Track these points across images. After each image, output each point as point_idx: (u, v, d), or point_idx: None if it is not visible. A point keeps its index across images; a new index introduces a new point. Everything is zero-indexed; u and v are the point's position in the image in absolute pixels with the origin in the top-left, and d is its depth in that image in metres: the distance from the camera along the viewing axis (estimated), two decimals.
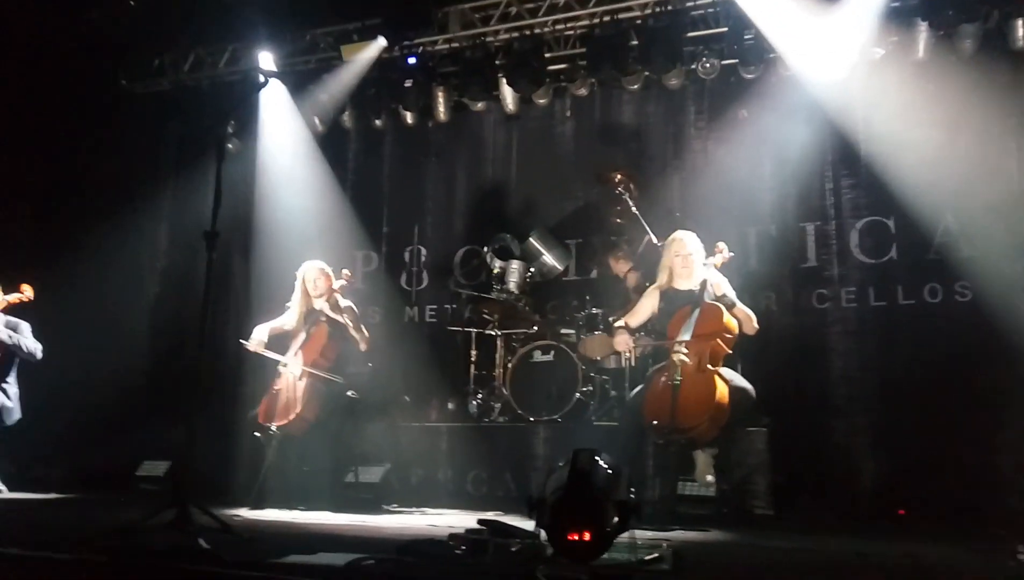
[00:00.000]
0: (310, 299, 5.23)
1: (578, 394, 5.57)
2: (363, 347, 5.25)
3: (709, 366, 4.32)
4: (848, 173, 6.03)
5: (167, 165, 7.62)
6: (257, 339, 5.13)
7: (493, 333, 6.18)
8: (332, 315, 5.17)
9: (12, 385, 5.43)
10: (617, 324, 4.79)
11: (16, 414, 5.41)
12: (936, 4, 5.59)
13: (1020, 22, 5.57)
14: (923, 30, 5.72)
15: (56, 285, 6.12)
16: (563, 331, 6.06)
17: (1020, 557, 3.06)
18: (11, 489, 5.44)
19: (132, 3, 6.97)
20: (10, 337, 5.34)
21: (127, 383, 6.99)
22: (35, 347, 5.44)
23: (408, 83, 6.85)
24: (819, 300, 5.98)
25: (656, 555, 2.84)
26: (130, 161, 7.50)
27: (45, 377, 5.70)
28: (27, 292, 5.44)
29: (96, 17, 7.03)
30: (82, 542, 2.95)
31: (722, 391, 4.25)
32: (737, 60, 6.21)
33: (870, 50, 5.88)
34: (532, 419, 5.62)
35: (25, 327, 5.49)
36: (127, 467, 6.01)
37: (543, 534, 2.64)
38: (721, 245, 4.65)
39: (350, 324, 5.18)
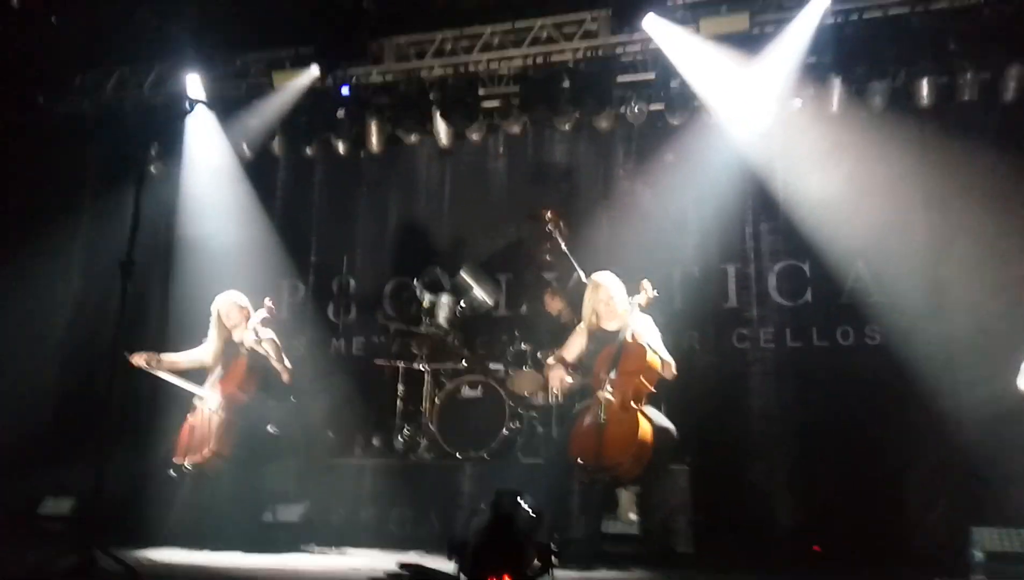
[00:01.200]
0: (227, 331, 5.09)
1: (505, 430, 5.55)
2: (285, 378, 5.12)
3: (633, 404, 4.38)
4: (767, 217, 6.27)
5: (86, 189, 7.33)
6: (147, 354, 4.93)
7: (421, 367, 6.12)
8: (252, 347, 5.04)
9: None
10: (550, 360, 4.82)
11: None
12: (849, 61, 5.90)
13: (925, 81, 5.94)
14: (837, 85, 6.03)
15: None
16: (492, 366, 6.04)
17: None
18: None
19: (53, 19, 6.74)
20: None
21: (31, 415, 6.62)
22: None
23: (340, 113, 6.82)
24: (739, 340, 6.16)
25: None
26: (46, 184, 7.19)
27: None
28: None
29: (15, 32, 6.77)
30: None
31: (645, 429, 4.31)
32: (664, 106, 6.42)
33: (788, 101, 6.17)
34: (459, 456, 5.57)
35: None
36: (28, 504, 5.65)
37: (463, 578, 2.60)
38: (645, 284, 4.74)
39: (271, 355, 5.05)
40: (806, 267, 6.13)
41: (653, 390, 4.53)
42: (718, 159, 6.19)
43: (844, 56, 5.89)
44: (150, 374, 5.12)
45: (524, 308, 6.68)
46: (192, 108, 5.73)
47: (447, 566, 2.82)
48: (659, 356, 4.51)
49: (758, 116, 6.14)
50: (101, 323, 6.46)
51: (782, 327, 6.09)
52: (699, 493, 4.96)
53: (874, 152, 5.91)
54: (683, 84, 6.21)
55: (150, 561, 4.01)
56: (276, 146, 7.17)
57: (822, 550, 5.04)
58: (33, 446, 6.31)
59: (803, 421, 5.73)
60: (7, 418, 6.21)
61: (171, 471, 4.82)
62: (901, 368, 5.35)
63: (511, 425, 5.59)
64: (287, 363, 5.15)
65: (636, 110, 6.45)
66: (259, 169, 7.22)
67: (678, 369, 4.66)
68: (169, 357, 5.11)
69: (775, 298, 6.19)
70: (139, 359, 4.99)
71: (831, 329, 5.97)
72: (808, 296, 6.12)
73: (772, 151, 6.21)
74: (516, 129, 6.90)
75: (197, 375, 5.12)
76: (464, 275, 6.42)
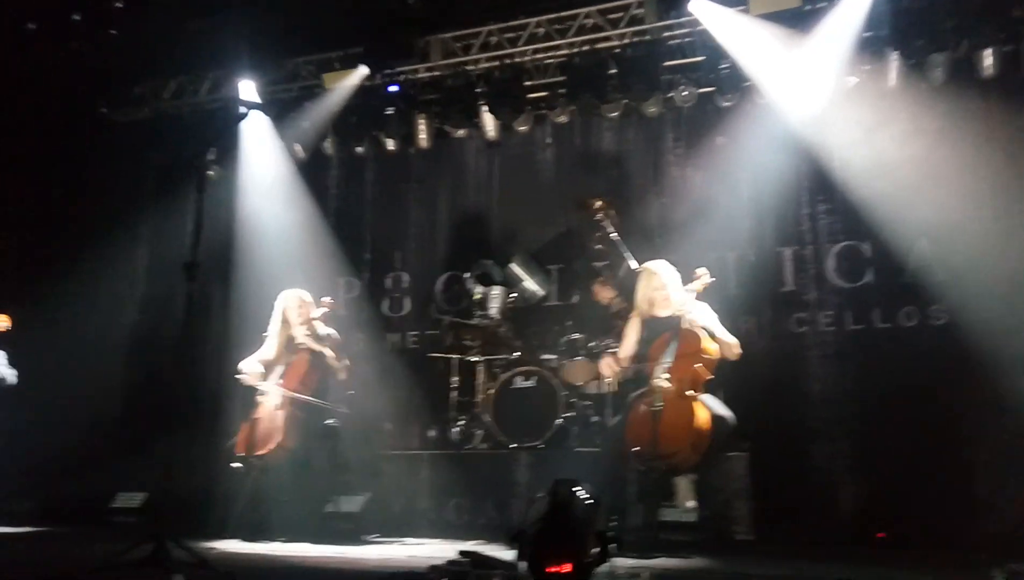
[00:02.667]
0: (289, 328, 5.21)
1: (560, 420, 5.56)
2: (342, 376, 5.23)
3: (690, 392, 4.35)
4: (824, 198, 6.11)
5: (147, 193, 7.58)
6: (253, 371, 5.08)
7: (474, 359, 6.17)
8: (312, 344, 5.15)
9: None
10: (609, 351, 4.81)
11: None
12: (907, 34, 5.72)
13: (988, 52, 5.71)
14: (894, 59, 5.84)
15: (34, 314, 6.07)
16: (544, 357, 6.06)
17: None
18: None
19: (113, 32, 6.98)
20: None
21: (103, 413, 6.92)
22: (10, 373, 5.38)
23: (390, 111, 6.91)
24: (797, 324, 6.04)
25: None
26: (111, 190, 7.48)
27: (21, 406, 5.62)
28: (5, 322, 5.39)
29: (78, 46, 7.04)
30: (55, 578, 2.90)
31: (702, 417, 4.27)
32: (714, 88, 6.31)
33: (843, 78, 6.00)
34: (514, 446, 5.60)
35: (1, 354, 5.43)
36: (102, 499, 5.89)
37: (523, 566, 2.63)
38: (701, 271, 4.69)
39: (330, 353, 5.16)
40: (866, 247, 5.96)
41: (710, 377, 4.49)
42: (771, 140, 6.06)
43: (901, 28, 5.70)
44: (213, 371, 5.28)
45: (576, 298, 6.66)
46: (246, 113, 5.89)
47: (507, 555, 2.85)
48: (720, 339, 4.46)
49: (812, 95, 5.99)
50: (165, 321, 6.70)
51: (842, 310, 5.94)
52: (758, 480, 4.90)
53: (935, 127, 5.71)
54: (733, 65, 6.10)
55: (218, 552, 4.14)
56: (328, 146, 7.31)
57: (887, 536, 4.92)
58: (104, 442, 6.58)
59: (865, 405, 5.59)
60: (80, 415, 6.49)
61: (235, 464, 4.96)
62: (968, 349, 5.16)
63: (565, 415, 5.60)
64: (346, 361, 5.24)
65: (685, 94, 6.36)
66: (312, 169, 7.36)
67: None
68: (259, 366, 5.18)
69: (834, 280, 6.04)
70: (251, 379, 5.07)
71: (894, 310, 5.79)
72: (869, 277, 5.95)
73: (827, 130, 6.04)
74: (563, 118, 6.87)
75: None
76: (514, 266, 6.45)
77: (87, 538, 4.99)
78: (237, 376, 5.13)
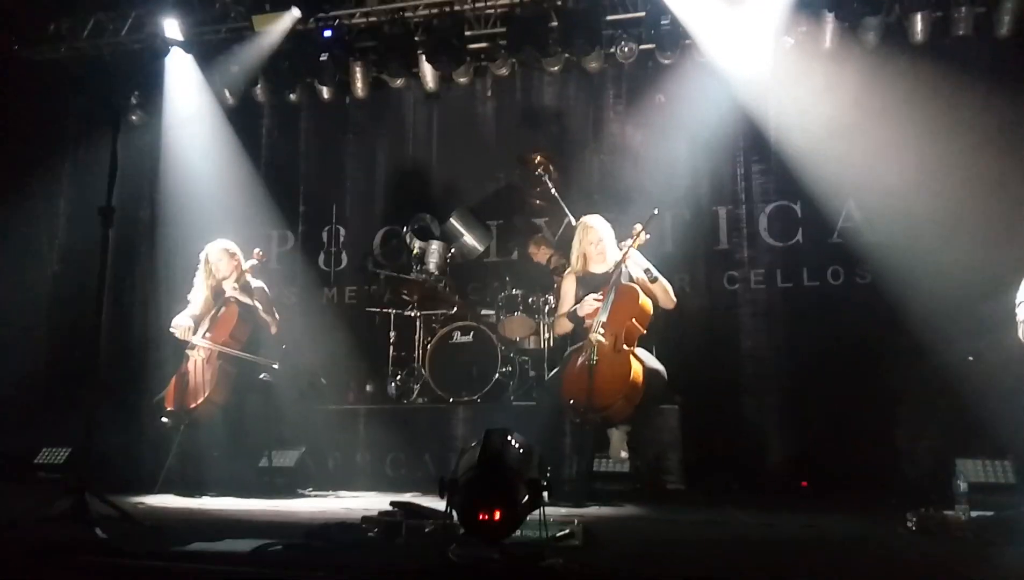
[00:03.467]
0: (215, 280, 5.05)
1: (497, 375, 5.59)
2: (273, 330, 5.11)
3: (625, 346, 4.40)
4: (758, 159, 6.22)
5: (67, 138, 7.20)
6: (185, 325, 4.92)
7: (412, 314, 6.12)
8: (241, 297, 5.01)
9: None
10: (558, 314, 4.81)
11: None
12: None
13: (919, 16, 5.83)
14: (830, 21, 5.92)
15: None
16: (483, 312, 6.06)
17: (909, 524, 3.24)
18: None
19: None
20: None
21: (25, 366, 6.63)
22: None
23: (324, 57, 6.66)
24: (730, 281, 6.17)
25: (567, 531, 2.88)
26: (28, 134, 7.07)
27: None
28: None
29: None
30: None
31: (636, 370, 4.34)
32: (654, 45, 6.29)
33: (780, 39, 6.06)
34: (451, 400, 5.61)
35: None
36: (26, 454, 5.68)
37: (455, 514, 2.63)
38: (638, 227, 4.72)
39: (260, 306, 5.04)
40: (797, 207, 6.11)
41: (644, 332, 4.55)
42: (709, 99, 6.10)
43: None
44: (139, 322, 5.10)
45: (515, 254, 6.66)
46: (169, 49, 5.54)
47: (440, 505, 2.85)
48: (656, 289, 4.51)
49: (750, 55, 6.03)
50: (88, 272, 6.38)
51: (773, 268, 6.10)
52: (689, 432, 5.03)
53: (867, 89, 5.84)
54: (674, 22, 6.08)
55: (146, 507, 4.04)
56: (259, 92, 7.04)
57: (810, 485, 5.13)
58: (28, 396, 6.33)
59: (793, 360, 5.79)
60: (4, 369, 6.20)
61: (164, 419, 4.84)
62: (891, 307, 5.37)
63: (503, 369, 5.63)
64: (276, 315, 5.12)
65: (626, 50, 6.33)
66: (243, 116, 7.09)
67: (669, 312, 4.67)
68: (190, 320, 4.99)
69: (766, 239, 6.18)
70: (181, 333, 4.90)
71: (822, 269, 5.98)
72: (799, 237, 6.11)
73: (764, 90, 6.12)
74: (504, 71, 6.77)
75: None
76: (454, 221, 6.38)
77: (10, 494, 4.80)
78: (171, 330, 4.97)
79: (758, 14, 5.92)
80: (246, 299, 5.01)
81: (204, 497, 4.55)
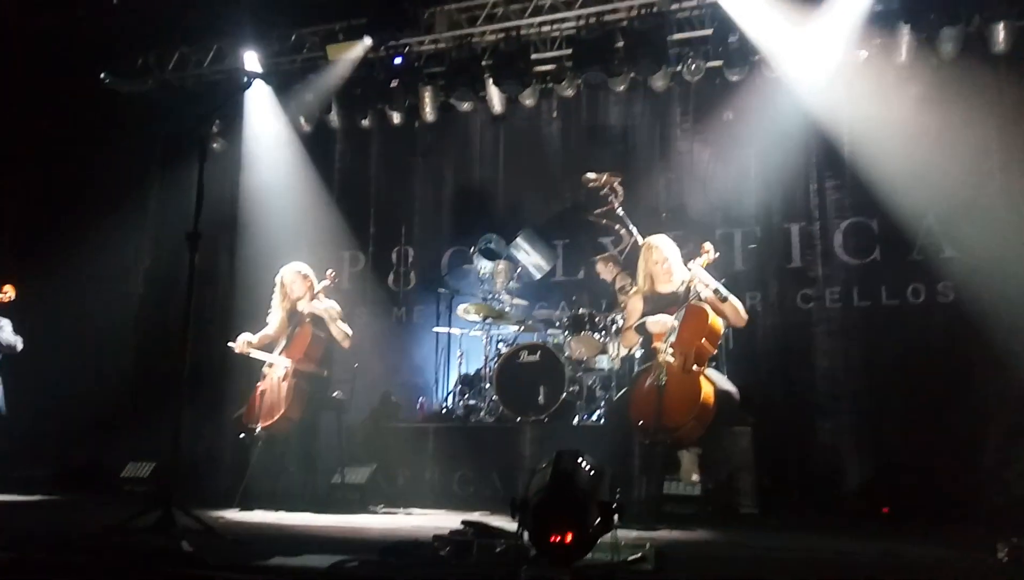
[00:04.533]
0: (290, 301, 5.22)
1: (564, 394, 5.58)
2: (345, 345, 5.23)
3: (695, 367, 4.35)
4: (832, 174, 6.08)
5: (152, 165, 7.58)
6: (243, 340, 5.12)
7: (479, 333, 6.18)
8: (316, 314, 5.16)
9: None
10: (624, 327, 4.81)
11: (1, 406, 5.36)
12: (918, 7, 5.64)
13: (1000, 26, 5.63)
14: (906, 33, 5.77)
15: (41, 285, 6.09)
16: (549, 331, 6.07)
17: (1000, 555, 3.10)
18: None
19: (115, 1, 6.92)
20: None
21: (112, 383, 6.97)
22: (14, 339, 5.40)
23: (394, 83, 6.86)
24: (804, 300, 6.03)
25: (639, 555, 2.85)
26: (117, 162, 7.46)
27: (30, 377, 5.66)
28: (9, 292, 5.41)
29: (80, 15, 6.99)
30: (65, 544, 2.94)
31: (707, 391, 4.28)
32: (722, 62, 6.24)
33: (853, 52, 5.93)
34: (519, 419, 5.63)
35: (6, 323, 5.45)
36: (112, 468, 5.96)
37: (526, 535, 2.64)
38: (707, 246, 4.66)
39: (333, 325, 5.17)
40: (874, 224, 5.94)
41: (714, 351, 4.49)
42: (779, 115, 6.01)
43: (913, 1, 5.62)
44: (218, 341, 5.30)
45: (581, 273, 6.66)
46: (250, 83, 5.85)
47: (510, 525, 2.86)
48: (727, 308, 4.44)
49: (821, 69, 5.92)
50: (172, 292, 6.71)
51: (849, 286, 5.93)
52: (763, 454, 4.92)
53: (945, 101, 5.65)
54: (742, 39, 6.03)
55: (225, 520, 4.18)
56: (333, 118, 7.28)
57: (891, 511, 4.95)
58: (115, 411, 6.63)
59: (871, 381, 5.60)
60: (91, 384, 6.52)
61: (242, 435, 5.00)
62: (975, 326, 5.16)
63: (570, 389, 5.62)
64: (347, 330, 5.25)
65: (693, 67, 6.30)
66: (317, 142, 7.35)
67: (740, 332, 4.60)
68: (254, 338, 5.22)
69: (841, 256, 6.02)
70: (240, 347, 5.13)
71: (902, 287, 5.79)
72: (876, 254, 5.93)
73: (837, 105, 5.99)
74: (570, 92, 6.82)
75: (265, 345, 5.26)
76: (520, 241, 6.44)
77: (98, 506, 5.04)
78: (229, 344, 5.16)
79: (830, 29, 5.81)
80: (320, 318, 5.15)
81: (280, 511, 4.68)
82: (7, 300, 5.40)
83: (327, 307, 5.20)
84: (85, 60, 7.30)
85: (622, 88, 6.67)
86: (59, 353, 6.28)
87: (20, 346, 5.37)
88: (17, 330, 5.46)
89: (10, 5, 6.78)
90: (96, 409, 6.56)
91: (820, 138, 6.06)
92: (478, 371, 6.17)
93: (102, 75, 7.38)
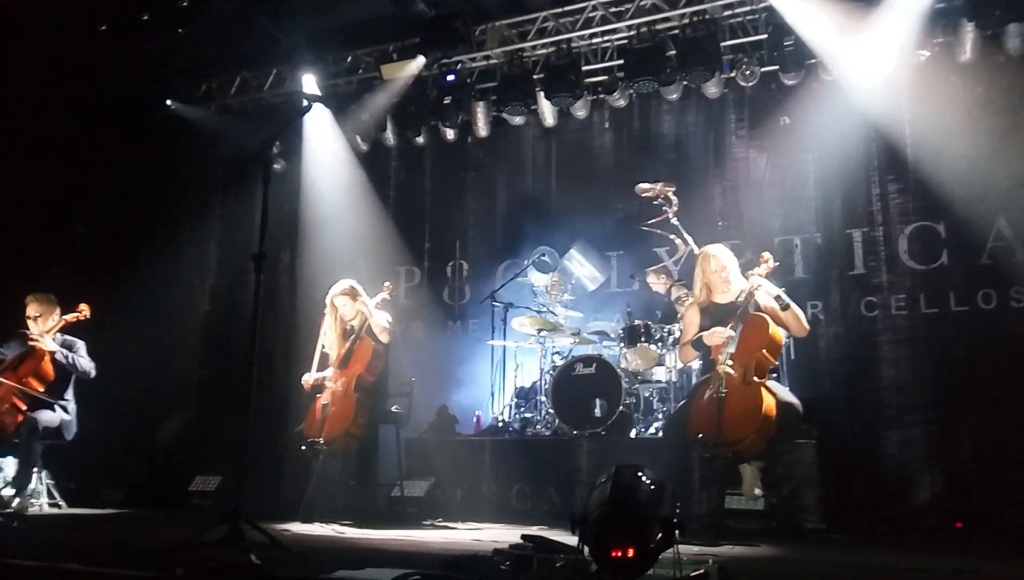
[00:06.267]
0: (341, 321, 5.32)
1: (622, 407, 5.53)
2: (385, 339, 5.26)
3: (755, 378, 4.27)
4: (895, 178, 5.91)
5: (216, 188, 7.82)
6: (308, 381, 5.25)
7: (535, 346, 6.18)
8: (371, 327, 5.24)
9: (70, 402, 5.60)
10: (682, 342, 4.76)
11: (74, 429, 5.58)
12: (983, 4, 5.45)
13: None
14: (969, 31, 5.59)
15: (111, 304, 6.31)
16: (605, 343, 6.04)
17: None
18: (69, 505, 5.61)
19: (180, 31, 7.19)
20: (66, 356, 5.50)
21: (181, 399, 7.18)
22: (89, 366, 5.60)
23: (447, 100, 6.95)
24: (868, 308, 5.86)
25: (702, 571, 2.81)
26: (182, 185, 7.74)
27: (101, 394, 5.87)
28: (84, 311, 5.61)
29: (146, 46, 7.29)
30: (139, 558, 3.03)
31: (769, 403, 4.19)
32: (777, 67, 6.15)
33: (914, 53, 5.77)
34: (575, 433, 5.60)
35: (81, 346, 5.65)
36: (181, 482, 6.14)
37: (587, 550, 2.63)
38: (766, 255, 4.58)
39: (389, 338, 5.25)
40: (940, 228, 5.75)
41: (775, 362, 4.40)
42: (838, 119, 5.88)
43: None
44: (280, 358, 5.44)
45: (636, 284, 6.60)
46: (310, 106, 6.05)
47: (569, 539, 2.85)
48: (788, 317, 4.35)
49: (881, 71, 5.77)
50: (236, 310, 6.91)
51: (915, 293, 5.75)
52: (828, 468, 4.79)
53: (1013, 99, 5.46)
54: (797, 42, 5.93)
55: (290, 533, 4.26)
56: (388, 137, 7.41)
57: (965, 526, 4.75)
58: (182, 427, 6.83)
59: (941, 390, 5.40)
60: (160, 404, 6.74)
61: (304, 448, 5.10)
62: None
63: (627, 401, 5.57)
64: (386, 326, 5.27)
65: (747, 73, 6.22)
66: (373, 160, 7.49)
67: (802, 342, 4.49)
68: (316, 374, 5.34)
69: (907, 262, 5.84)
70: (308, 383, 5.27)
71: (971, 293, 5.58)
72: (944, 258, 5.73)
73: (897, 107, 5.84)
74: (621, 102, 6.80)
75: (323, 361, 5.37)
76: (574, 253, 6.42)
77: (167, 520, 5.19)
78: (302, 382, 5.28)
79: (889, 29, 5.67)
80: (375, 331, 5.23)
81: (341, 524, 4.75)
82: (83, 318, 5.59)
83: (385, 321, 5.27)
84: (152, 88, 7.60)
85: (675, 96, 6.62)
86: (128, 371, 6.50)
87: (94, 373, 5.57)
88: (91, 352, 5.66)
89: (81, 37, 7.09)
90: (164, 423, 6.77)
91: (881, 141, 5.90)
92: (534, 384, 6.17)
93: (168, 102, 7.69)
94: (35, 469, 5.32)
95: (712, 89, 6.46)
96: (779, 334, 4.38)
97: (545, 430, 5.87)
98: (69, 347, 5.59)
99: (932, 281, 5.73)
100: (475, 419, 6.40)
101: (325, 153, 7.32)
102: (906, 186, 5.87)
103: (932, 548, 4.15)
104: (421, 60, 6.89)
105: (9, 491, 5.28)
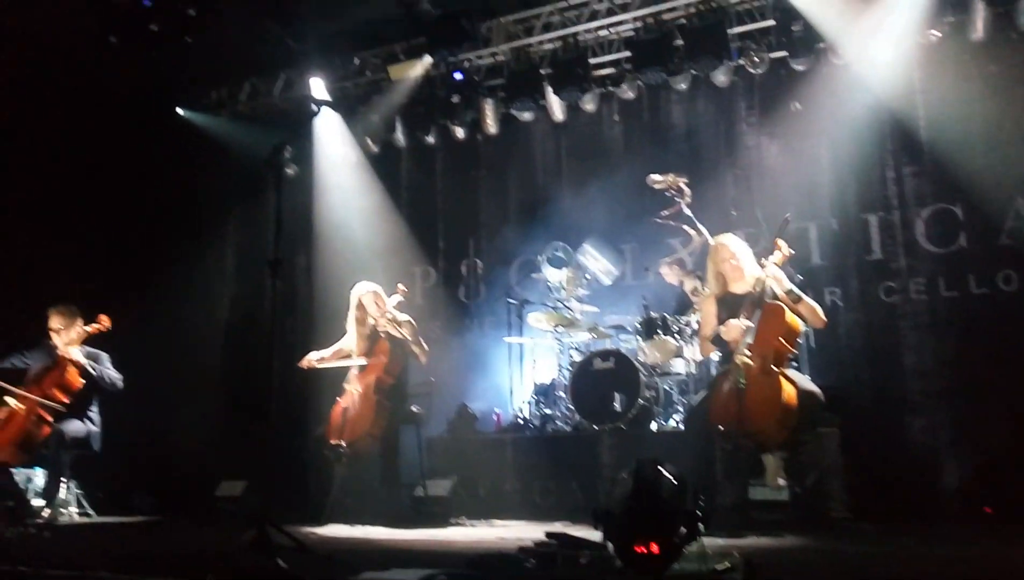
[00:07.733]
0: (367, 319, 5.34)
1: (641, 400, 5.51)
2: (423, 360, 5.33)
3: (774, 367, 4.24)
4: (909, 160, 5.85)
5: (231, 194, 7.86)
6: (308, 358, 5.31)
7: (552, 342, 6.18)
8: (393, 332, 5.26)
9: (96, 413, 5.66)
10: (701, 337, 4.74)
11: (100, 440, 5.63)
12: None
13: None
14: (980, 8, 5.52)
15: (132, 315, 6.36)
16: (622, 337, 6.02)
17: None
18: (99, 513, 5.67)
19: (189, 40, 7.22)
20: (93, 368, 5.55)
21: (204, 405, 7.24)
22: (117, 377, 5.65)
23: (455, 98, 6.95)
24: (887, 293, 5.81)
25: (727, 564, 2.79)
26: (196, 192, 7.79)
27: (125, 403, 5.92)
28: (105, 322, 5.65)
29: (155, 55, 7.33)
30: (169, 565, 3.07)
31: (789, 392, 4.16)
32: (786, 52, 6.10)
33: (925, 33, 5.70)
34: (596, 427, 5.60)
35: (105, 358, 5.70)
36: (207, 486, 6.17)
37: (611, 546, 2.63)
38: (780, 242, 4.55)
39: (409, 339, 5.26)
40: (958, 210, 5.68)
41: (794, 351, 4.37)
42: (850, 103, 5.84)
43: None
44: (299, 361, 5.47)
45: (650, 276, 6.58)
46: (319, 110, 6.07)
47: (594, 535, 2.85)
48: (803, 309, 4.32)
49: (892, 52, 5.71)
50: (255, 316, 6.95)
51: (935, 276, 5.69)
52: (852, 456, 4.75)
53: None
54: (806, 27, 5.88)
55: (316, 536, 4.29)
56: (398, 137, 7.42)
57: (995, 512, 4.71)
58: (208, 432, 6.90)
59: (965, 374, 5.35)
60: (185, 409, 6.80)
61: (327, 452, 5.12)
62: None
63: (646, 394, 5.55)
64: (424, 345, 5.34)
65: (756, 60, 6.18)
66: (384, 161, 7.51)
67: (821, 330, 4.46)
68: (325, 353, 5.43)
69: (925, 245, 5.79)
70: (307, 363, 5.37)
71: (991, 274, 5.51)
72: (962, 241, 5.67)
73: (910, 89, 5.79)
74: (630, 94, 6.78)
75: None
76: (587, 247, 6.41)
77: (196, 526, 5.24)
78: (298, 365, 5.34)
79: (898, 10, 5.61)
80: (396, 334, 5.25)
81: (365, 526, 4.77)
82: (104, 329, 5.63)
83: (405, 322, 5.29)
84: (163, 96, 7.65)
85: (684, 86, 6.59)
86: (151, 379, 6.56)
87: (121, 384, 5.62)
88: (114, 362, 5.71)
89: (92, 50, 7.14)
90: (189, 430, 6.83)
91: (894, 124, 5.85)
92: (552, 380, 6.17)
93: (178, 109, 7.74)
94: (64, 479, 5.38)
95: (721, 77, 6.43)
96: (796, 322, 4.34)
97: (565, 426, 5.87)
98: (94, 359, 5.63)
99: (951, 264, 5.67)
100: (495, 417, 6.41)
101: (336, 156, 7.36)
102: (921, 168, 5.81)
103: (962, 535, 4.11)
104: (428, 59, 6.91)
105: (39, 501, 5.37)
